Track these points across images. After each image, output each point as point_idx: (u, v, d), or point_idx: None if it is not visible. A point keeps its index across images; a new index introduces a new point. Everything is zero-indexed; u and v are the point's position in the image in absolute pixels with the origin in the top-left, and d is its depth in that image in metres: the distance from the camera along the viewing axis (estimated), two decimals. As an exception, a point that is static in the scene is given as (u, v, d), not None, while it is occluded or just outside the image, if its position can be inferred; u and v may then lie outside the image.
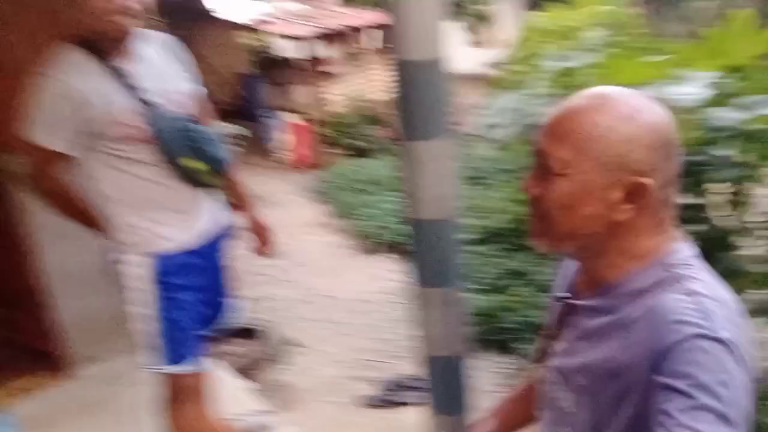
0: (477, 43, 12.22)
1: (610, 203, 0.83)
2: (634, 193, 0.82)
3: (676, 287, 0.81)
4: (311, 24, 7.85)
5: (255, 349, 3.22)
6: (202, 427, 1.77)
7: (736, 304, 0.82)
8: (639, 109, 0.83)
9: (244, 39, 9.61)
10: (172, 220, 1.69)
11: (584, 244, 0.88)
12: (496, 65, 8.79)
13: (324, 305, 4.10)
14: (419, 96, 1.26)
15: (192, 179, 1.66)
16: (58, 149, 1.53)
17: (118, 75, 1.54)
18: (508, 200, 4.74)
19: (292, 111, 7.84)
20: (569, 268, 1.01)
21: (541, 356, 1.03)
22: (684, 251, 0.86)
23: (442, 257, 1.31)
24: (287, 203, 6.13)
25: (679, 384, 0.72)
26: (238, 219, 1.93)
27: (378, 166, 6.44)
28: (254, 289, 4.32)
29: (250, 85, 9.48)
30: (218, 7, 7.91)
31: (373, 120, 7.63)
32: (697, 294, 0.79)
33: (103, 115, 1.52)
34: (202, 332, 1.79)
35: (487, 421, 1.20)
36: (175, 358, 1.70)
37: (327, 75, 7.96)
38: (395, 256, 4.78)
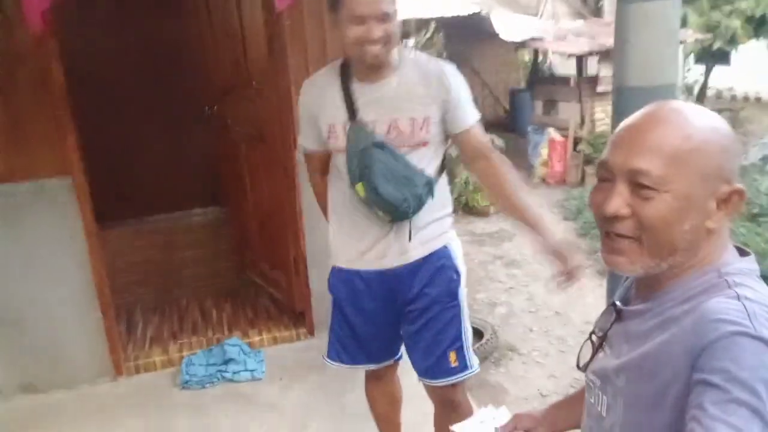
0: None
1: (707, 213, 0.83)
2: (728, 201, 0.83)
3: (725, 292, 0.79)
4: (585, 41, 7.71)
5: (479, 348, 3.38)
6: (373, 395, 2.12)
7: None
8: (717, 120, 0.84)
9: (519, 55, 9.83)
10: (348, 235, 1.79)
11: (681, 258, 0.85)
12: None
13: (552, 321, 4.08)
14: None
15: (364, 203, 1.69)
16: (310, 148, 1.83)
17: (347, 95, 1.68)
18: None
19: (557, 127, 7.80)
20: (627, 279, 1.00)
21: (587, 363, 1.01)
22: (742, 263, 0.85)
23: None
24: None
25: (715, 378, 0.71)
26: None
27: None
28: (491, 294, 4.50)
29: (520, 99, 9.66)
30: (500, 26, 8.19)
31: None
32: (744, 298, 0.77)
33: (323, 126, 1.72)
34: (363, 348, 1.91)
35: (533, 418, 1.19)
36: (330, 354, 1.97)
37: (596, 93, 7.75)
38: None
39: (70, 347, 2.84)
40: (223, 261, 3.94)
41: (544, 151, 7.51)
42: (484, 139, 1.76)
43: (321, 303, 3.11)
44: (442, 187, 1.78)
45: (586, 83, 7.82)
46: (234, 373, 2.84)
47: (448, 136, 1.74)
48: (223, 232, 4.00)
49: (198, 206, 4.11)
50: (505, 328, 3.89)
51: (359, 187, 1.64)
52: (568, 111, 7.91)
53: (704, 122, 0.84)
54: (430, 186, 1.68)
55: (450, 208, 1.84)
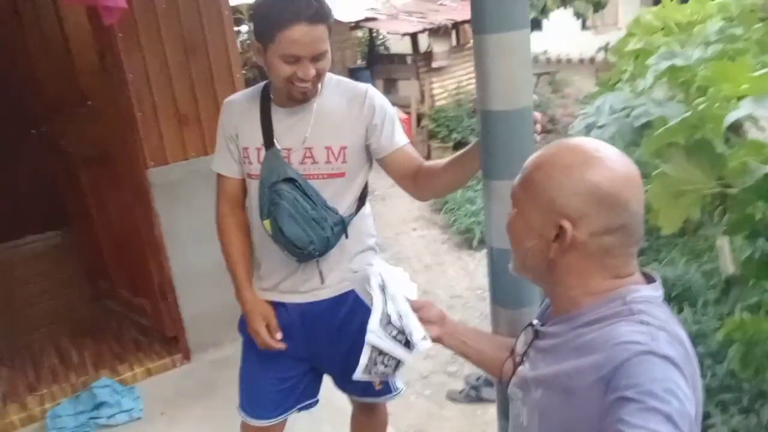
0: (590, 27, 11.79)
1: (547, 241, 0.93)
2: (559, 235, 0.91)
3: (630, 318, 0.88)
4: (417, 19, 7.97)
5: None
6: None
7: (688, 343, 0.89)
8: (583, 162, 0.91)
9: (354, 35, 9.91)
10: (265, 264, 1.72)
11: (533, 273, 1.01)
12: (606, 52, 8.50)
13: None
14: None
15: (272, 239, 1.61)
16: (220, 172, 1.71)
17: (266, 120, 1.61)
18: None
19: (399, 105, 8.02)
20: (545, 300, 1.11)
21: (509, 379, 1.10)
22: (646, 291, 0.93)
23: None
24: (390, 197, 6.33)
25: (630, 393, 0.79)
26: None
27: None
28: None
29: (359, 78, 9.78)
30: (333, 6, 8.17)
31: (476, 113, 7.65)
32: (647, 324, 0.86)
33: (240, 149, 1.64)
34: (282, 392, 1.78)
35: (441, 316, 1.27)
36: (243, 406, 1.80)
37: (431, 69, 8.06)
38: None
39: None
40: (75, 290, 3.63)
41: (389, 130, 7.70)
42: (417, 156, 1.66)
43: (194, 325, 3.02)
44: (361, 221, 1.71)
45: (422, 60, 8.10)
46: (109, 417, 2.64)
47: (377, 161, 1.67)
48: (69, 258, 3.68)
49: (33, 233, 3.72)
50: (379, 315, 4.00)
51: (266, 223, 1.57)
52: (407, 89, 8.16)
53: (565, 160, 0.92)
54: (341, 226, 1.62)
55: (372, 241, 1.78)
